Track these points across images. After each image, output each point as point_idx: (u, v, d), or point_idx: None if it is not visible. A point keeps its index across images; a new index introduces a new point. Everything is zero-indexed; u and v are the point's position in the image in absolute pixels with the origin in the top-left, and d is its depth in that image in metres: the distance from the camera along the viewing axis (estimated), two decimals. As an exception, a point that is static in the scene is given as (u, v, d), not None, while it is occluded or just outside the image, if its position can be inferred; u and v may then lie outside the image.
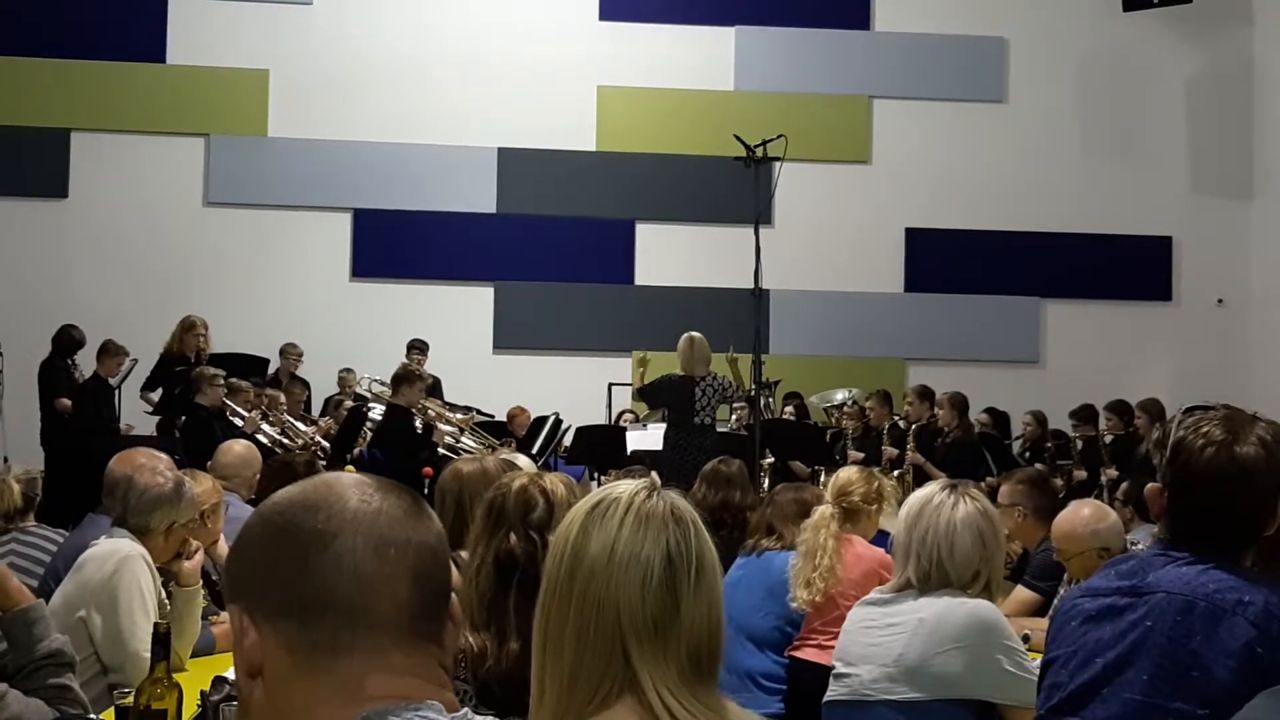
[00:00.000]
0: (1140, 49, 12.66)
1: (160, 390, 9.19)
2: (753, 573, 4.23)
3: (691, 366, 8.04)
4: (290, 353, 10.82)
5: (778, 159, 7.93)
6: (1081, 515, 3.86)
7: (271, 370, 10.44)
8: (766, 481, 7.73)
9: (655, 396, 8.33)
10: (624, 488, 1.55)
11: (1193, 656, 1.91)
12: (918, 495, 2.91)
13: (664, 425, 8.38)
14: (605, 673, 1.43)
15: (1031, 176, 12.56)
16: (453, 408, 10.00)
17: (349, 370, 10.81)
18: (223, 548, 4.05)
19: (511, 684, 2.21)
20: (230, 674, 2.45)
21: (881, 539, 5.32)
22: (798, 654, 4.11)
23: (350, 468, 7.86)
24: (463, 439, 9.21)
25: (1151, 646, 1.96)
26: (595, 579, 1.46)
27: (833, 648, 3.92)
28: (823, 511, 4.14)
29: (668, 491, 1.56)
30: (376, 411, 9.31)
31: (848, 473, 4.42)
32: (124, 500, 3.47)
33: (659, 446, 8.25)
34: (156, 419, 9.20)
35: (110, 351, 8.87)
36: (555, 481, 2.56)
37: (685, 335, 8.19)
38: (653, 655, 1.43)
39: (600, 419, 10.90)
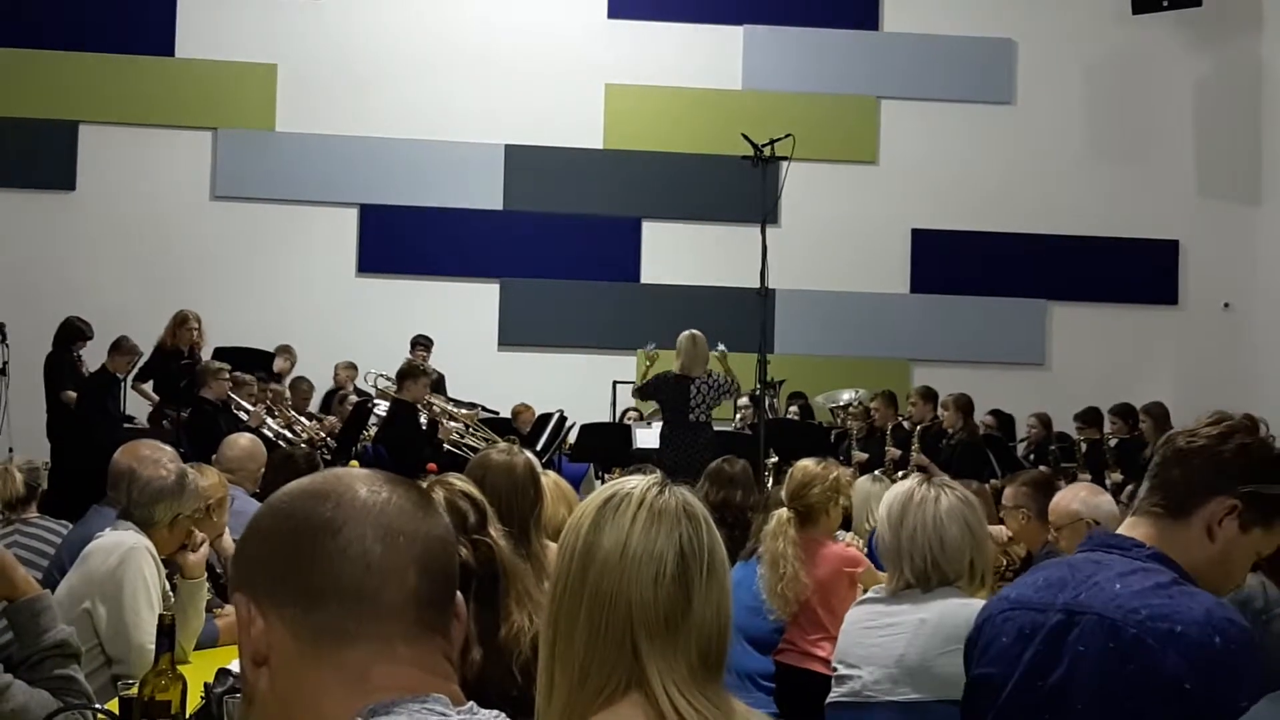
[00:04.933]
0: (1149, 52, 12.62)
1: (152, 382, 9.20)
2: (752, 574, 4.21)
3: (690, 365, 7.87)
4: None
5: (785, 158, 7.94)
6: (1079, 494, 3.90)
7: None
8: (770, 481, 7.72)
9: (652, 394, 8.18)
10: (635, 483, 1.53)
11: (1125, 686, 1.84)
12: (897, 493, 2.87)
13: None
14: (615, 668, 1.43)
15: (1039, 179, 12.53)
16: (457, 404, 10.00)
17: (348, 365, 10.81)
18: (228, 541, 4.06)
19: (482, 690, 2.21)
20: (234, 666, 2.46)
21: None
22: (781, 659, 4.10)
23: (354, 463, 7.87)
24: (467, 435, 9.22)
25: (1085, 673, 1.89)
26: (608, 574, 1.45)
27: (814, 654, 3.95)
28: (779, 515, 4.10)
29: (678, 488, 1.55)
30: (381, 407, 9.31)
31: (804, 469, 4.22)
32: (128, 492, 3.48)
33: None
34: (149, 411, 9.22)
35: (124, 349, 8.85)
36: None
37: (687, 333, 7.98)
38: (662, 651, 1.43)
39: (605, 416, 10.89)
